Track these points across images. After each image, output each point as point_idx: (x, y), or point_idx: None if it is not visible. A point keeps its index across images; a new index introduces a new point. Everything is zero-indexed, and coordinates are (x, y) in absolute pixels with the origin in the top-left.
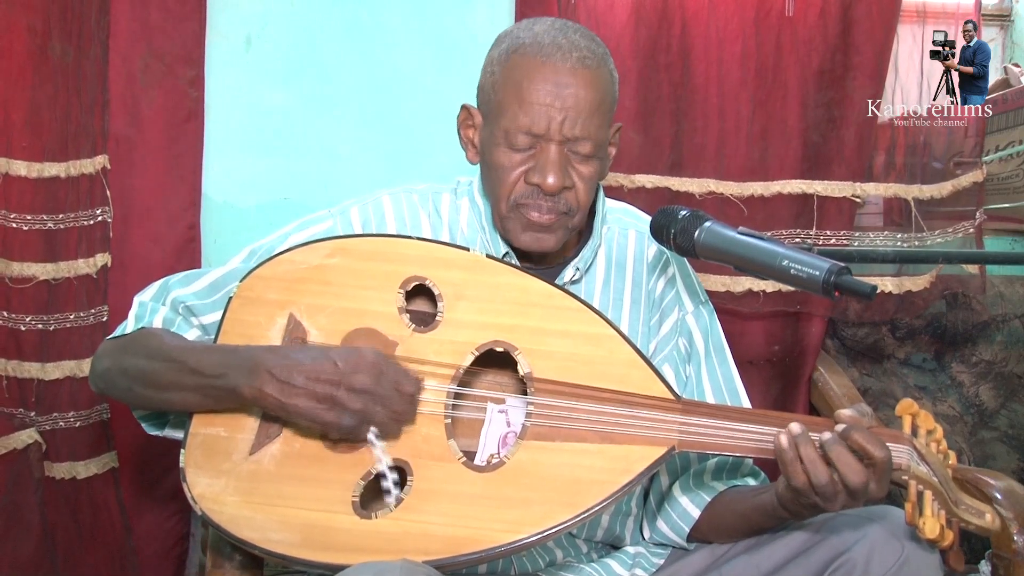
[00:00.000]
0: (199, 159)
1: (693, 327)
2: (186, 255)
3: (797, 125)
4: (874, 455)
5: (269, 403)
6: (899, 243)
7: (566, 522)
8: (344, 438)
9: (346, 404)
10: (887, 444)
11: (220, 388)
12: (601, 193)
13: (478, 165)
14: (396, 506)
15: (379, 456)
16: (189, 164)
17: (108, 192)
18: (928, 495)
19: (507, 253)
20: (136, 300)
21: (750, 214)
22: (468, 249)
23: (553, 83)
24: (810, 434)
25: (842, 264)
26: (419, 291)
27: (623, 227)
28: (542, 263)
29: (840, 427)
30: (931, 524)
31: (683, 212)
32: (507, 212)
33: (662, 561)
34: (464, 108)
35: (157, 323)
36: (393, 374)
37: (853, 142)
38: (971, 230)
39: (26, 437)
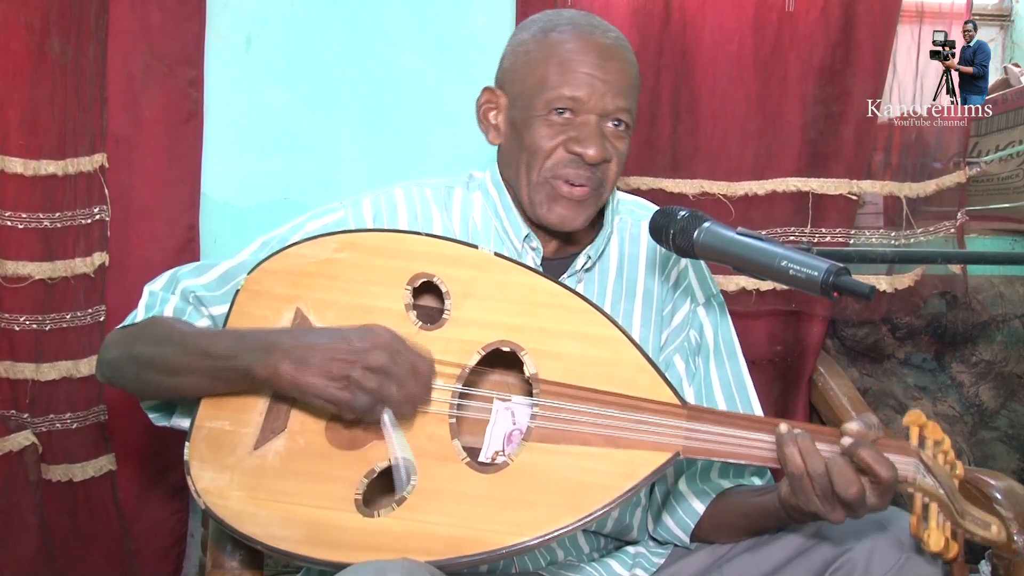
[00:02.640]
0: (199, 159)
1: (704, 319)
2: (185, 255)
3: (797, 122)
4: (880, 475)
5: (284, 383)
6: (892, 240)
7: (569, 526)
8: (358, 420)
9: (361, 383)
10: (893, 456)
11: (232, 369)
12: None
13: (489, 160)
14: (400, 502)
15: (393, 441)
16: (189, 165)
17: (107, 191)
18: (933, 507)
19: (528, 235)
20: (146, 289)
21: (749, 213)
22: (477, 247)
23: (596, 55)
24: (817, 444)
25: (841, 265)
26: (426, 288)
27: (636, 219)
28: (557, 252)
29: (846, 440)
30: (935, 537)
31: (682, 212)
32: (538, 182)
33: (662, 561)
34: (487, 90)
35: (167, 313)
36: (408, 354)
37: (853, 139)
38: (952, 230)
39: (22, 439)
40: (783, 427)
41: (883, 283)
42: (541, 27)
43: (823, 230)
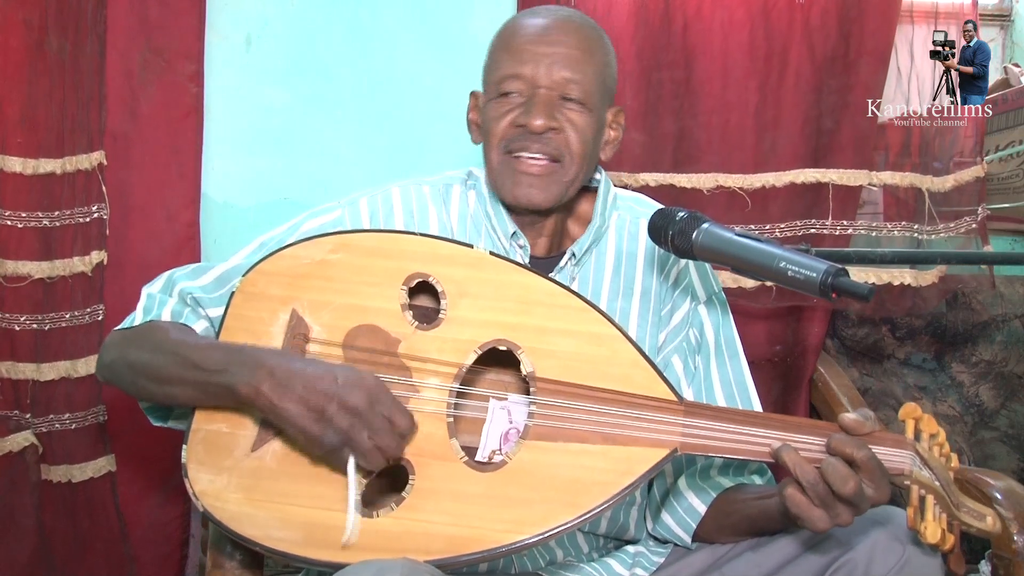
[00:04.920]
0: (198, 156)
1: (704, 318)
2: (185, 254)
3: (806, 114)
4: (854, 456)
5: (263, 402)
6: (914, 234)
7: (567, 523)
8: (325, 457)
9: (334, 420)
10: (889, 449)
11: (219, 384)
12: (607, 180)
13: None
14: (399, 502)
15: (351, 491)
16: (188, 161)
17: (104, 189)
18: (930, 499)
19: (515, 233)
20: (144, 292)
21: (759, 206)
22: (472, 246)
23: (539, 30)
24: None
25: (839, 266)
26: (422, 288)
27: (634, 216)
28: (549, 251)
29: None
30: (932, 528)
31: (681, 214)
32: (498, 162)
33: (662, 560)
34: (472, 94)
35: (165, 315)
36: (388, 405)
37: (863, 130)
38: (974, 226)
39: (22, 439)
40: (774, 443)
41: (908, 277)
42: (504, 25)
43: (844, 223)
